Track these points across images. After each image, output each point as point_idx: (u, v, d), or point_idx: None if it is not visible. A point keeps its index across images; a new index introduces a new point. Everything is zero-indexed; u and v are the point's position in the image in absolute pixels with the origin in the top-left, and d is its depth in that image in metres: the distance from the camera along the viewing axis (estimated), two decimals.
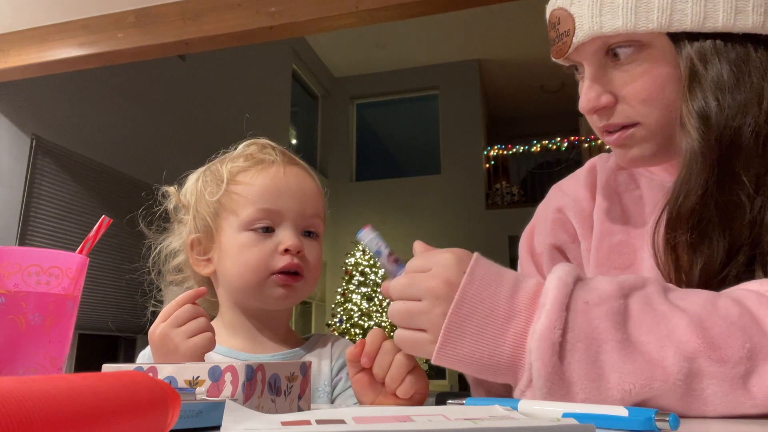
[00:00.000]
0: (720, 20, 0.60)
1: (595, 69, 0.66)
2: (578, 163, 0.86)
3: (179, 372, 0.51)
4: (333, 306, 7.32)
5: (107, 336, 3.83)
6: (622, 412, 0.41)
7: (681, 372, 0.47)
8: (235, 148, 0.91)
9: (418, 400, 0.64)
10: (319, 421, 0.35)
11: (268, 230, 0.84)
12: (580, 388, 0.48)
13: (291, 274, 0.83)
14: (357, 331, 6.80)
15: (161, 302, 0.90)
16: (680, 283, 0.62)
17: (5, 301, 0.47)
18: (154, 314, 0.90)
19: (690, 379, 0.47)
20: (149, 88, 4.70)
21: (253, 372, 0.49)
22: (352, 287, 6.94)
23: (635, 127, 0.66)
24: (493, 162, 8.54)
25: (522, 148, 8.59)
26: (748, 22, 0.59)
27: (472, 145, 8.26)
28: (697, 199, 0.60)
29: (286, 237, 0.83)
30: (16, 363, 0.47)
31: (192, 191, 0.90)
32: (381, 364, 0.63)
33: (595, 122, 0.69)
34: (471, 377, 0.69)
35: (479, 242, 6.44)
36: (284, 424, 0.34)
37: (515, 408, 0.45)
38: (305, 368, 0.57)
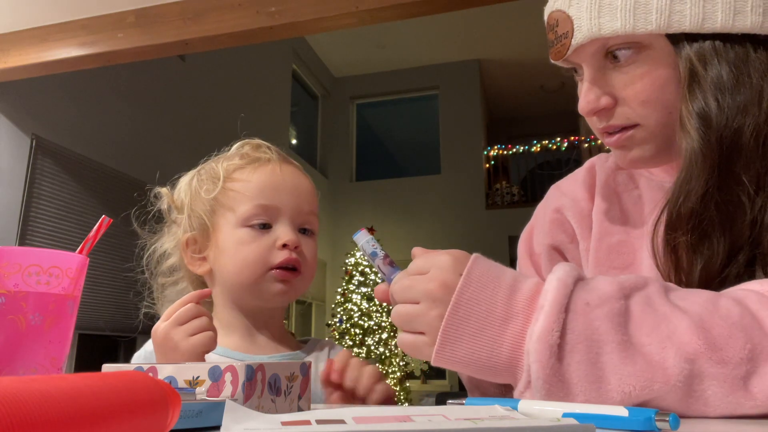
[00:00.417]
0: (719, 21, 0.59)
1: (594, 71, 0.66)
2: (578, 164, 0.86)
3: (179, 372, 0.51)
4: (333, 306, 7.32)
5: (107, 336, 3.83)
6: (622, 412, 0.41)
7: (682, 374, 0.47)
8: (229, 149, 0.92)
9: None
10: (319, 421, 0.35)
11: (266, 227, 0.84)
12: (579, 390, 0.48)
13: (289, 269, 0.84)
14: (357, 331, 6.80)
15: (155, 303, 0.91)
16: (680, 283, 0.61)
17: (5, 301, 0.47)
18: (146, 315, 0.90)
19: (691, 381, 0.47)
20: (149, 88, 4.70)
21: (253, 372, 0.49)
22: (352, 287, 6.94)
23: (635, 128, 0.66)
24: (493, 162, 8.54)
25: (522, 148, 8.58)
26: (747, 22, 0.59)
27: (472, 145, 8.26)
28: (697, 200, 0.60)
29: (283, 232, 0.84)
30: (16, 363, 0.47)
31: (186, 191, 0.90)
32: (351, 377, 0.71)
33: (594, 124, 0.69)
34: (466, 379, 0.69)
35: (479, 242, 6.42)
36: (284, 424, 0.34)
37: (515, 408, 0.45)
38: (305, 368, 0.57)
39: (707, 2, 0.59)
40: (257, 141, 0.92)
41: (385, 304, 0.76)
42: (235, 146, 0.92)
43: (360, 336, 6.75)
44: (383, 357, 6.60)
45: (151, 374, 0.51)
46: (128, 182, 4.21)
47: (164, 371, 0.52)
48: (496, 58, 8.25)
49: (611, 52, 0.65)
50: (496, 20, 7.05)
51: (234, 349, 0.84)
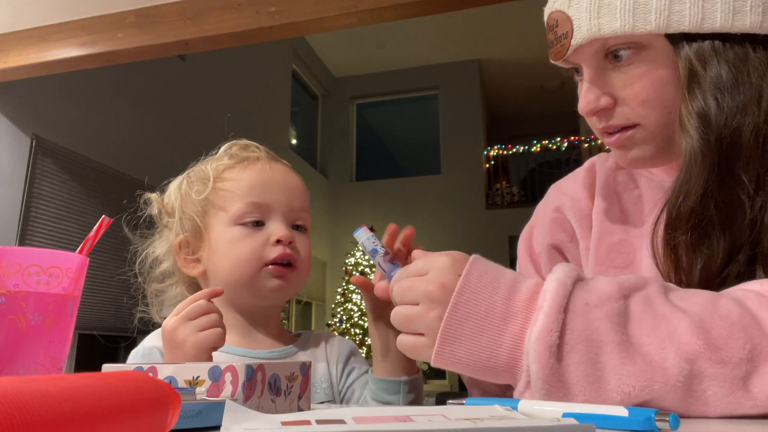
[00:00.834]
0: (718, 21, 0.59)
1: (594, 71, 0.66)
2: (578, 164, 0.86)
3: (179, 372, 0.51)
4: (333, 306, 7.32)
5: (107, 336, 3.83)
6: (622, 412, 0.41)
7: (681, 374, 0.47)
8: (216, 152, 0.92)
9: None
10: (319, 421, 0.35)
11: (258, 224, 0.85)
12: (579, 390, 0.48)
13: (284, 265, 0.84)
14: (357, 330, 6.80)
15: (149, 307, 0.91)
16: (680, 283, 0.62)
17: (5, 301, 0.47)
18: (141, 320, 0.90)
19: (690, 381, 0.47)
20: (149, 88, 4.70)
21: (253, 372, 0.49)
22: (352, 287, 6.94)
23: (635, 128, 0.66)
24: (493, 162, 8.54)
25: (522, 148, 8.59)
26: (746, 22, 0.59)
27: (472, 145, 8.26)
28: (696, 199, 0.60)
29: (276, 229, 0.84)
30: (16, 363, 0.47)
31: (176, 194, 0.90)
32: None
33: (594, 124, 0.69)
34: (466, 377, 0.69)
35: (479, 242, 6.43)
36: (284, 424, 0.34)
37: (515, 408, 0.45)
38: (305, 368, 0.57)
39: (706, 2, 0.59)
40: (245, 141, 0.93)
41: None
42: (222, 147, 0.92)
43: (360, 336, 6.75)
44: None
45: (151, 374, 0.51)
46: (128, 182, 4.21)
47: (164, 371, 0.52)
48: (496, 58, 8.25)
49: (611, 53, 0.65)
50: (496, 20, 7.05)
51: (233, 345, 0.84)
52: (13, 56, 3.05)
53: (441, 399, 4.69)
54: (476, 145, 8.30)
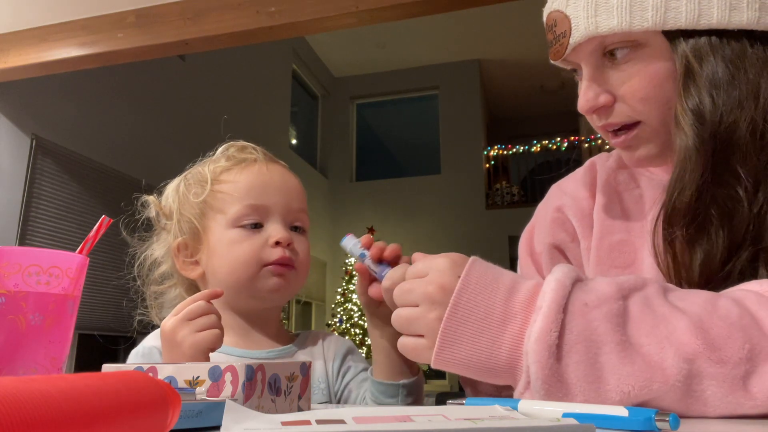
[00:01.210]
0: (715, 17, 0.60)
1: (593, 69, 0.66)
2: (578, 164, 0.86)
3: (179, 372, 0.51)
4: (333, 306, 7.32)
5: (107, 336, 3.83)
6: (622, 412, 0.41)
7: (681, 373, 0.47)
8: (213, 153, 0.92)
9: None
10: (319, 421, 0.35)
11: (257, 226, 0.84)
12: (578, 390, 0.48)
13: (283, 266, 0.84)
14: (357, 330, 6.80)
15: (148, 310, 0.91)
16: (681, 280, 0.62)
17: (5, 301, 0.47)
18: (140, 323, 0.90)
19: (690, 381, 0.47)
20: (149, 88, 4.70)
21: (253, 372, 0.49)
22: (352, 287, 6.94)
23: (638, 127, 0.66)
24: (493, 162, 8.54)
25: (522, 148, 8.59)
26: (743, 18, 0.59)
27: (472, 145, 8.26)
28: (692, 195, 0.60)
29: (275, 230, 0.84)
30: (16, 363, 0.47)
31: (174, 197, 0.90)
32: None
33: (594, 122, 0.69)
34: (462, 377, 0.69)
35: (479, 242, 6.44)
36: (284, 424, 0.34)
37: (515, 408, 0.45)
38: (305, 368, 0.57)
39: None
40: (242, 142, 0.92)
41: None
42: (220, 149, 0.92)
43: (360, 336, 6.75)
44: None
45: (151, 374, 0.51)
46: (128, 182, 4.21)
47: (164, 371, 0.52)
48: (496, 58, 8.25)
49: (609, 51, 0.65)
50: (496, 20, 7.05)
51: (232, 346, 0.84)
52: (13, 56, 3.05)
53: (441, 399, 4.69)
54: (476, 145, 8.30)
